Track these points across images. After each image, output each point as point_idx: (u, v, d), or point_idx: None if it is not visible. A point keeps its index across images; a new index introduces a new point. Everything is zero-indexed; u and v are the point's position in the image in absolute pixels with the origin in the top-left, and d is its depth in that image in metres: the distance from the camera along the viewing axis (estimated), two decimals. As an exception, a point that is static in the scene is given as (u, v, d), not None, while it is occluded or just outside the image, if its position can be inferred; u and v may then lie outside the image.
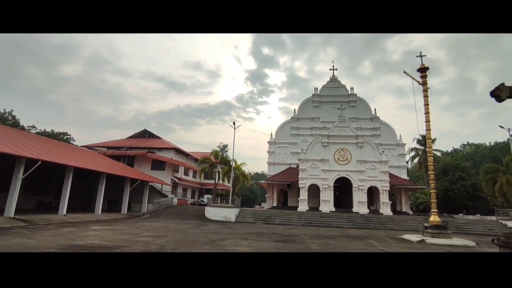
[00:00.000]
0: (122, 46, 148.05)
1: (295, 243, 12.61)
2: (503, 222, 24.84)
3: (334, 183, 31.65)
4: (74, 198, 23.45)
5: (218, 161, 36.01)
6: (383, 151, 32.79)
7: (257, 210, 32.10)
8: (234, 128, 31.11)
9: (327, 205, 30.55)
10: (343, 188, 32.94)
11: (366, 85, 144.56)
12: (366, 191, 30.86)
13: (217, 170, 36.20)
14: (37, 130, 48.13)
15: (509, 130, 30.30)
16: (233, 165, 34.02)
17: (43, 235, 11.39)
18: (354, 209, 30.24)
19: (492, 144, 63.20)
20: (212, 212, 26.42)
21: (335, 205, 31.02)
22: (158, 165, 36.90)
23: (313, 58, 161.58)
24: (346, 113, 36.35)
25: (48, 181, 28.02)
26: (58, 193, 22.49)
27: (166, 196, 34.67)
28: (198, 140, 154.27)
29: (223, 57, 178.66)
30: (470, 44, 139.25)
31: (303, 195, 31.33)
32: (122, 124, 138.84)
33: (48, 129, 50.86)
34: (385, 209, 30.08)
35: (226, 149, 39.23)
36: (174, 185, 38.91)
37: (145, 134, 44.76)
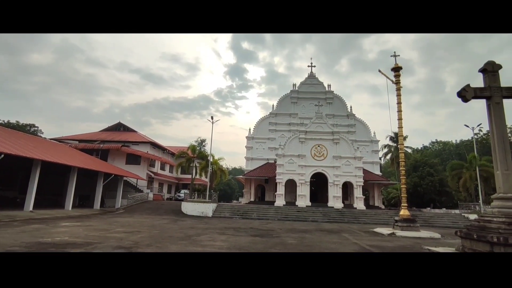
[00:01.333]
0: (95, 35, 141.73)
1: (271, 237, 12.77)
2: (466, 215, 26.49)
3: (311, 178, 32.29)
4: (42, 193, 22.32)
5: (195, 156, 35.58)
6: (357, 148, 33.84)
7: (235, 205, 32.13)
8: (212, 123, 30.82)
9: (303, 200, 31.13)
10: (319, 183, 33.70)
11: (343, 82, 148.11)
12: (341, 186, 31.74)
13: (194, 165, 35.78)
14: (0, 121, 45.27)
15: (473, 129, 32.22)
16: (211, 160, 33.74)
17: (6, 233, 10.76)
18: (329, 204, 31.04)
19: (458, 142, 66.68)
20: (189, 207, 26.15)
21: (311, 200, 31.70)
22: (133, 159, 35.88)
23: (292, 55, 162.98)
24: (323, 110, 37.08)
25: (12, 175, 26.45)
26: (24, 188, 21.25)
27: (142, 191, 33.87)
28: (176, 134, 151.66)
29: (202, 50, 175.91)
30: (441, 46, 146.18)
31: (280, 190, 31.72)
32: (96, 116, 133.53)
33: (13, 120, 48.13)
34: (359, 204, 31.14)
35: (203, 143, 38.90)
36: (150, 180, 38.07)
37: (119, 127, 43.31)
